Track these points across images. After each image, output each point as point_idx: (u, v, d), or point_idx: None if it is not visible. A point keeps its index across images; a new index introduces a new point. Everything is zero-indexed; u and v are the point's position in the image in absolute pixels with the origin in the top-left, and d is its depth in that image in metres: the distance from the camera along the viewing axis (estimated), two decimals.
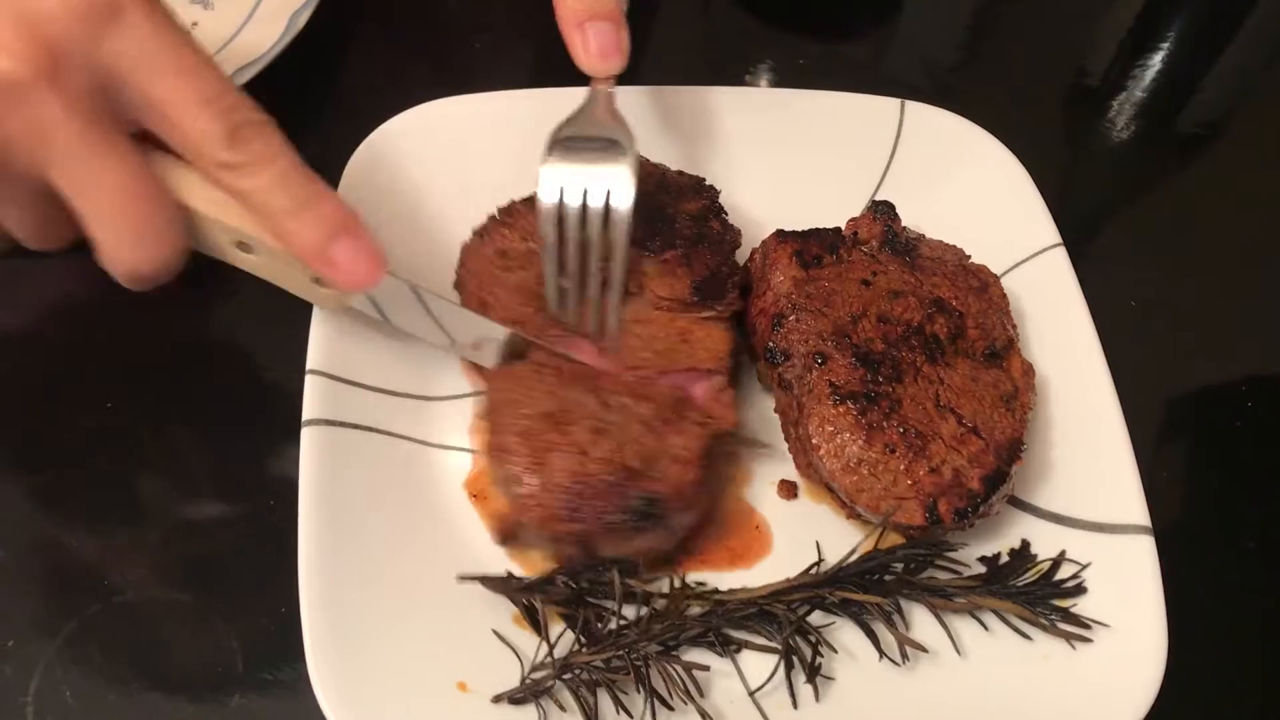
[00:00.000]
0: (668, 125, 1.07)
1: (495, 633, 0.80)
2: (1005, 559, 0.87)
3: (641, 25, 1.30)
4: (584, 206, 0.85)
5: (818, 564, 0.85)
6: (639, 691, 0.77)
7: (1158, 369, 1.03)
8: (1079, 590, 0.84)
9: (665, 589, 0.83)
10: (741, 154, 1.06)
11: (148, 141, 0.72)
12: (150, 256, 0.72)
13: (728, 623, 0.81)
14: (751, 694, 0.79)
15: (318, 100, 1.18)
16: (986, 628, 0.84)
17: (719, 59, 1.29)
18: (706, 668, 0.79)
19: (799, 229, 0.96)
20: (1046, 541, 0.87)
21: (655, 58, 1.27)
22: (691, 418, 0.84)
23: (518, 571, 0.85)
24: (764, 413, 0.96)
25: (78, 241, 0.75)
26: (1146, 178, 1.24)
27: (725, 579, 0.86)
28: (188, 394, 0.96)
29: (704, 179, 0.99)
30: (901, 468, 0.83)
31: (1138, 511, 0.85)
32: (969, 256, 0.98)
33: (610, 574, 0.82)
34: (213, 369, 0.98)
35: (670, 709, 0.78)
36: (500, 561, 0.86)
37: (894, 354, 0.88)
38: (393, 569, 0.82)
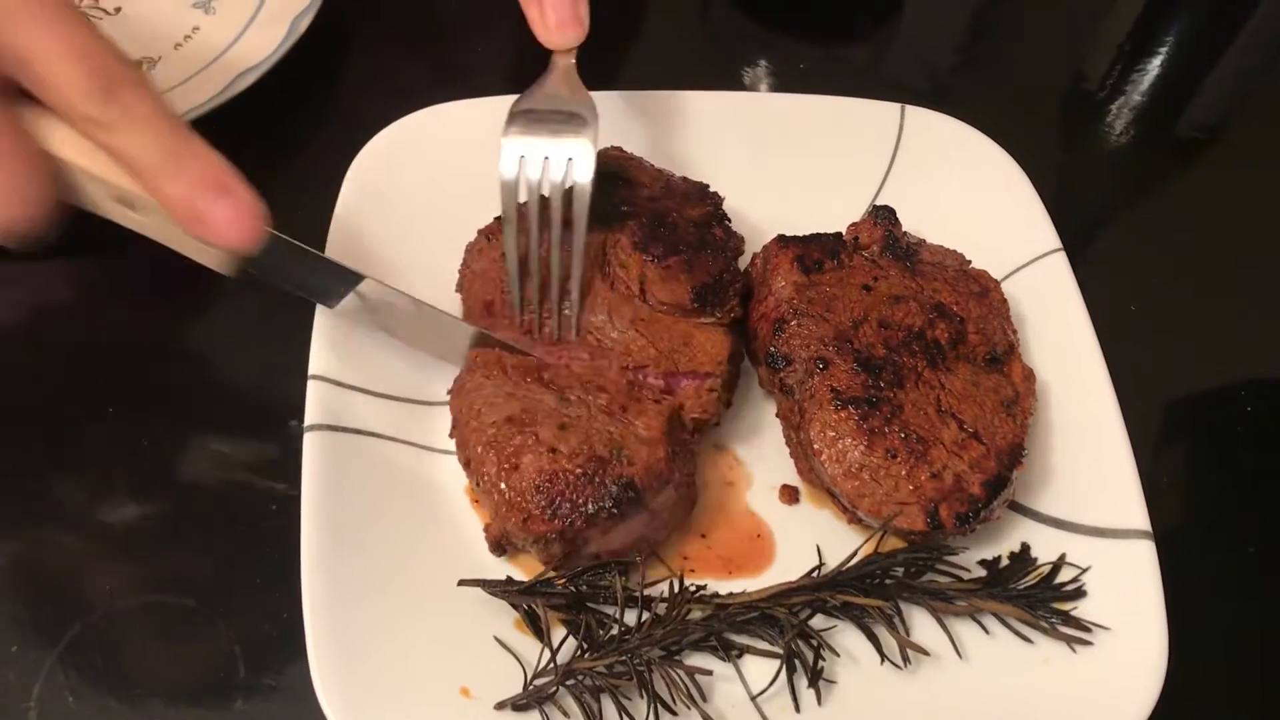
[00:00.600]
0: (667, 130, 1.07)
1: (497, 639, 0.80)
2: (1005, 563, 0.87)
3: (641, 29, 1.31)
4: (546, 179, 0.86)
5: (819, 568, 0.85)
6: (642, 696, 0.77)
7: (1158, 373, 1.04)
8: (1079, 594, 0.84)
9: (666, 594, 0.83)
10: (742, 159, 1.07)
11: (21, 95, 0.70)
12: (17, 210, 0.70)
13: (729, 627, 0.81)
14: (754, 698, 0.80)
15: (319, 105, 1.18)
16: (988, 631, 0.84)
17: (719, 63, 1.29)
18: (709, 672, 0.79)
19: (800, 234, 0.96)
20: (1047, 546, 0.87)
21: (654, 61, 1.27)
22: (647, 397, 0.85)
23: (518, 576, 0.85)
24: (765, 418, 0.96)
25: None
26: (1146, 182, 1.25)
27: (726, 583, 0.86)
28: (189, 399, 0.96)
29: (708, 185, 0.99)
30: (903, 473, 0.83)
31: (1138, 516, 0.86)
32: (969, 262, 0.98)
33: (611, 578, 0.82)
34: (215, 374, 0.99)
35: (673, 713, 0.78)
36: (502, 566, 0.86)
37: (895, 359, 0.88)
38: (395, 574, 0.82)
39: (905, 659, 0.81)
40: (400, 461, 0.88)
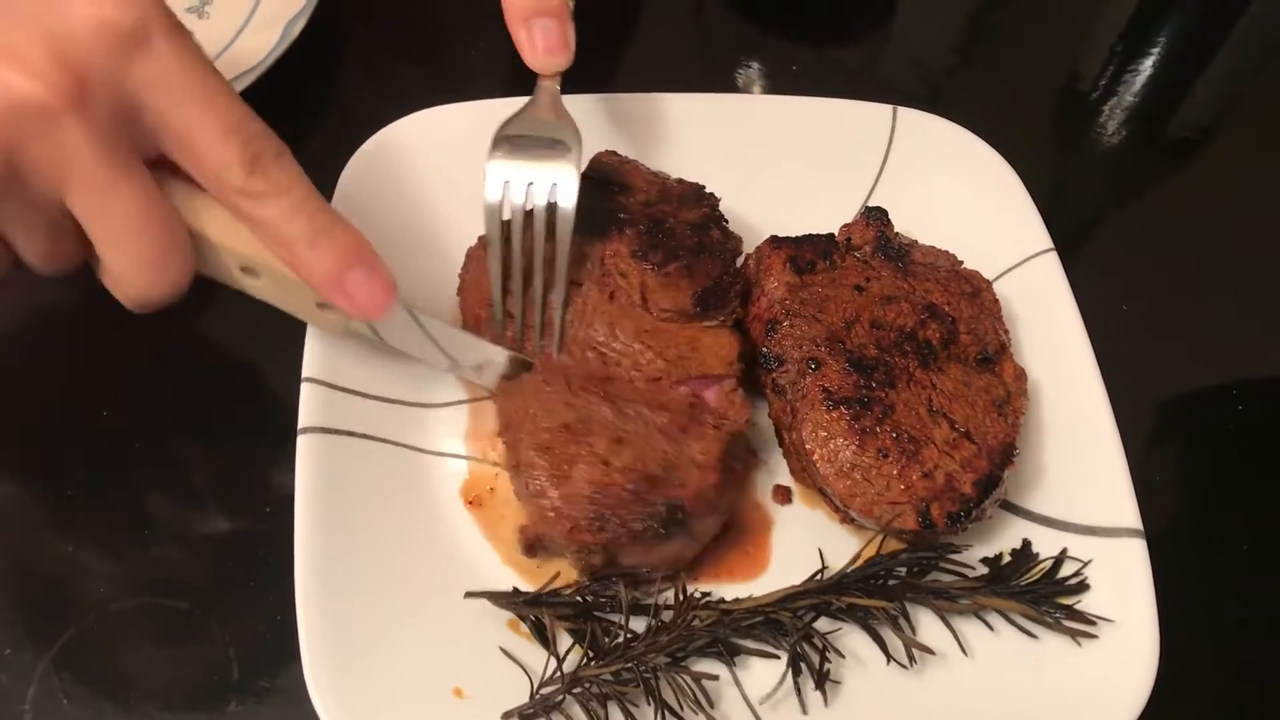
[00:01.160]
0: (660, 132, 1.07)
1: (503, 650, 0.80)
2: (1007, 560, 0.87)
3: (634, 31, 1.32)
4: (530, 205, 0.86)
5: (821, 571, 0.85)
6: (649, 703, 0.77)
7: (1149, 372, 1.04)
8: (1082, 588, 0.84)
9: (670, 600, 0.83)
10: (735, 160, 1.07)
11: (161, 167, 0.72)
12: (160, 282, 0.73)
13: (734, 632, 0.81)
14: (760, 701, 0.80)
15: (314, 108, 1.18)
16: (992, 628, 0.84)
17: (711, 65, 1.29)
18: (715, 677, 0.79)
19: (793, 235, 0.96)
20: (1040, 545, 0.88)
21: (647, 63, 1.27)
22: (707, 422, 0.85)
23: (519, 582, 0.85)
24: (758, 418, 0.96)
25: (83, 266, 0.75)
26: (1138, 182, 1.25)
27: (729, 588, 0.87)
28: (183, 402, 0.96)
29: (704, 186, 0.99)
30: (895, 473, 0.83)
31: (1130, 515, 0.86)
32: (961, 262, 0.99)
33: (617, 587, 0.82)
34: (208, 376, 0.99)
35: (680, 719, 0.78)
36: (495, 568, 0.86)
37: (887, 359, 0.88)
38: (389, 576, 0.82)
39: (911, 659, 0.81)
40: (394, 464, 0.88)
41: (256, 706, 0.81)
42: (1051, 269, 0.99)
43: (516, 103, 1.03)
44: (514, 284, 0.89)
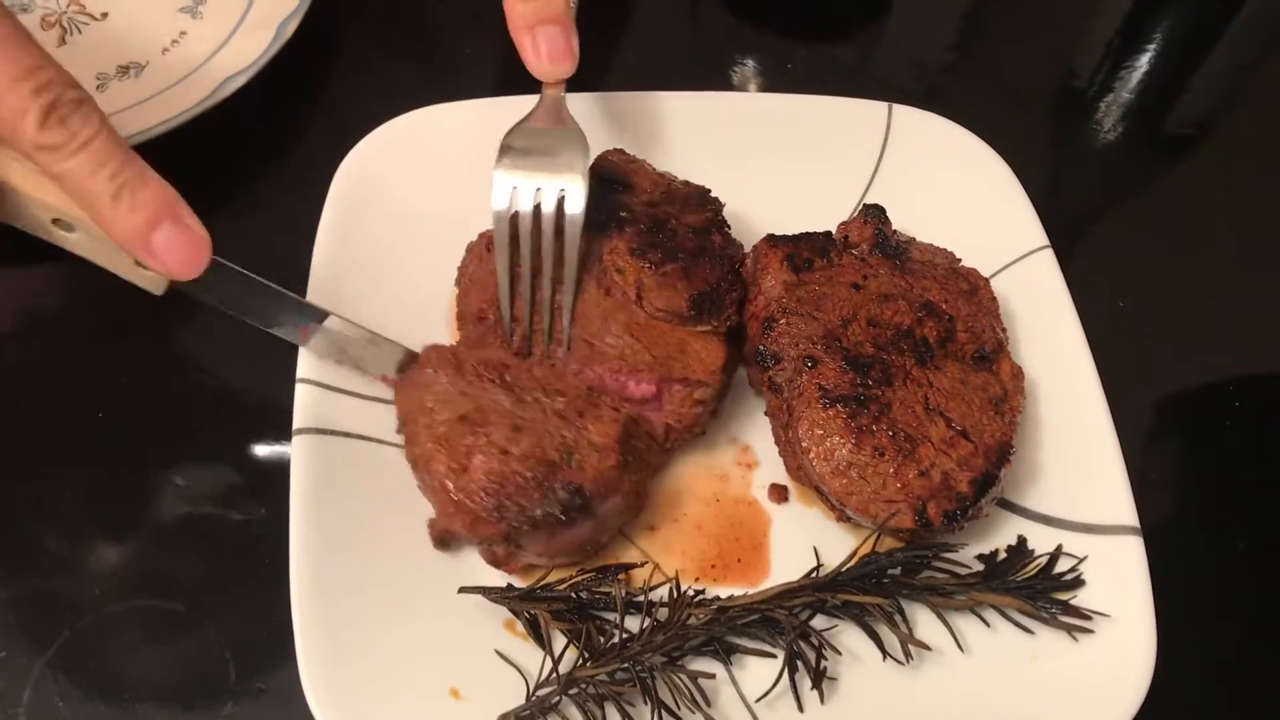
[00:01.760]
0: (655, 131, 1.07)
1: (498, 652, 0.80)
2: (1003, 556, 0.87)
3: (628, 29, 1.31)
4: (537, 212, 0.86)
5: (817, 568, 0.85)
6: (645, 703, 0.77)
7: (1146, 370, 1.04)
8: (1078, 583, 0.84)
9: (665, 599, 0.83)
10: (730, 158, 1.06)
11: None
12: None
13: (730, 630, 0.81)
14: (757, 700, 0.79)
15: (307, 108, 1.18)
16: (988, 624, 0.84)
17: (706, 63, 1.29)
18: (712, 676, 0.79)
19: (789, 233, 0.96)
20: (1037, 543, 0.88)
21: (642, 62, 1.27)
22: (605, 404, 0.85)
23: (513, 581, 0.85)
24: (755, 416, 0.96)
25: None
26: (1134, 179, 1.25)
27: (728, 589, 0.86)
28: (179, 404, 0.96)
29: (709, 190, 0.99)
30: (891, 471, 0.83)
31: (1126, 512, 0.86)
32: (959, 260, 0.98)
33: (611, 584, 0.82)
34: (204, 378, 0.98)
35: (677, 719, 0.78)
36: (489, 568, 0.85)
37: (884, 357, 0.88)
38: (384, 576, 0.82)
39: (908, 655, 0.81)
40: (388, 464, 0.88)
41: (252, 708, 0.81)
42: (1047, 266, 0.99)
43: (509, 101, 1.03)
44: (522, 288, 0.89)
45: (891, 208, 0.98)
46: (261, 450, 0.92)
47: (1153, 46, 1.35)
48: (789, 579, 0.85)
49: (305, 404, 0.86)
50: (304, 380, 0.87)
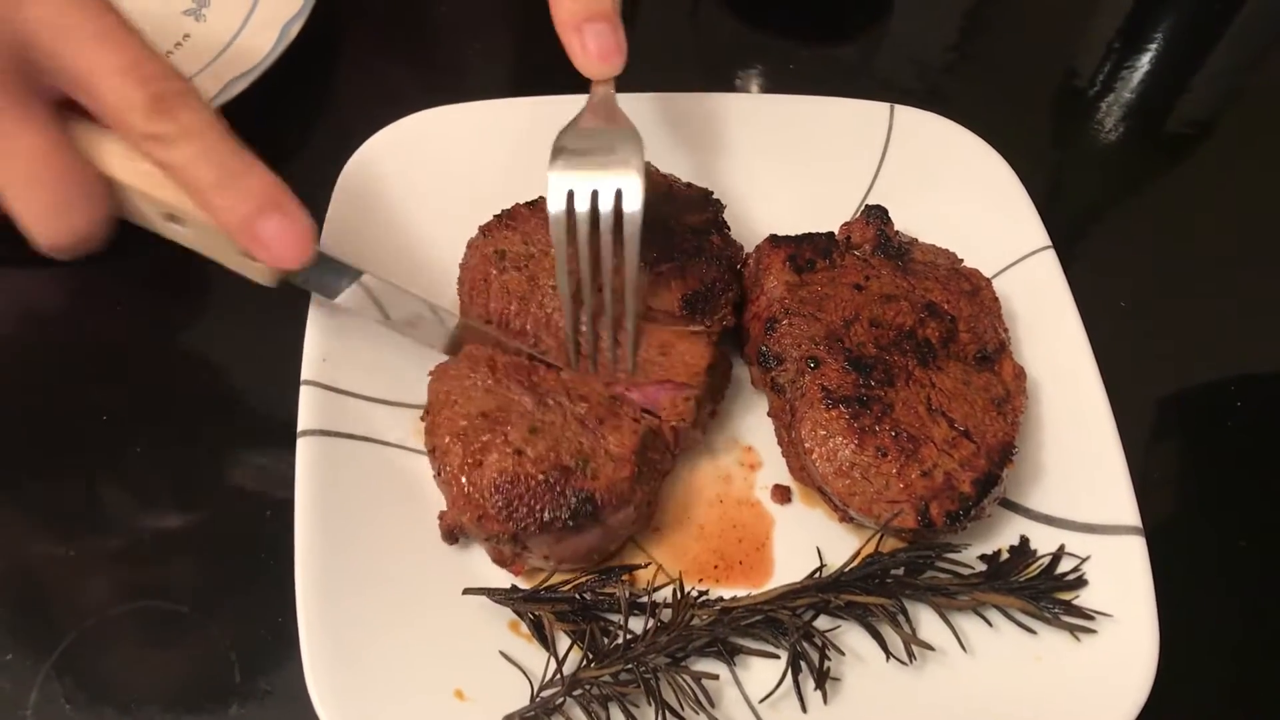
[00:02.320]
0: (657, 132, 1.07)
1: (502, 654, 0.80)
2: (1006, 557, 0.87)
3: (630, 31, 1.31)
4: (594, 212, 0.84)
5: (820, 569, 0.85)
6: (649, 704, 0.77)
7: (1148, 369, 1.04)
8: (1080, 583, 0.84)
9: (669, 599, 0.83)
10: (732, 159, 1.07)
11: (74, 110, 0.70)
12: (70, 227, 0.70)
13: (734, 631, 0.81)
14: (761, 700, 0.80)
15: (311, 110, 1.18)
16: (991, 624, 0.84)
17: (708, 64, 1.29)
18: (716, 676, 0.79)
19: (791, 234, 0.96)
20: (1039, 543, 0.88)
21: (643, 63, 1.27)
22: (626, 415, 0.85)
23: (517, 583, 0.85)
24: (758, 417, 0.96)
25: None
26: (1135, 179, 1.25)
27: (733, 590, 0.86)
28: (183, 406, 0.96)
29: (711, 192, 0.99)
30: (893, 471, 0.83)
31: (1129, 512, 0.86)
32: (962, 260, 0.99)
33: (615, 585, 0.82)
34: (208, 379, 0.99)
35: (681, 719, 0.78)
36: (494, 569, 0.86)
37: (886, 358, 0.89)
38: (388, 577, 0.82)
39: (911, 655, 0.82)
40: (392, 465, 0.88)
41: (258, 709, 0.81)
42: (1049, 266, 0.99)
43: (513, 103, 1.04)
44: (584, 294, 0.87)
45: (893, 208, 0.99)
46: (266, 451, 0.92)
47: (1154, 46, 1.35)
48: (792, 580, 0.85)
49: (309, 405, 0.86)
50: (308, 382, 0.87)
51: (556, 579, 0.84)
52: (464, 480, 0.80)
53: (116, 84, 0.67)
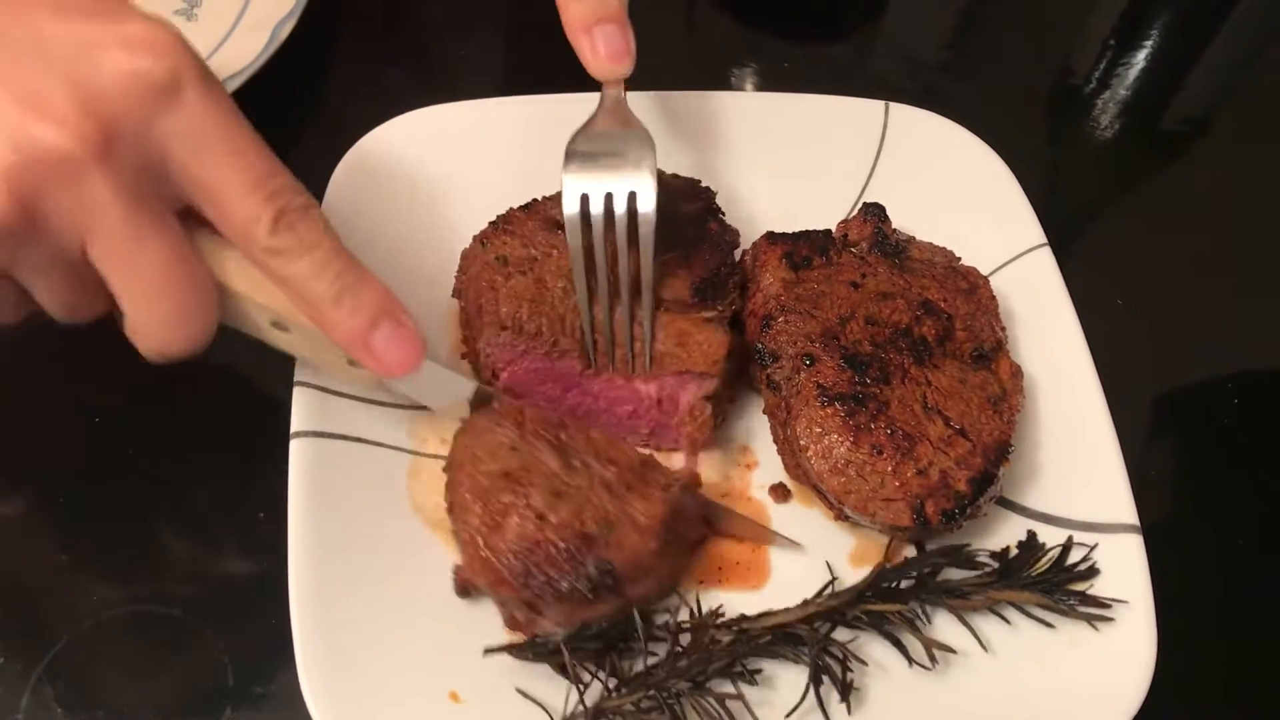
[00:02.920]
0: (653, 130, 1.05)
1: (519, 690, 0.78)
2: (1015, 553, 0.86)
3: None
4: (609, 215, 0.84)
5: (832, 582, 0.84)
6: None
7: (1145, 367, 1.04)
8: (1093, 572, 0.84)
9: (684, 620, 0.82)
10: (728, 158, 1.06)
11: (190, 216, 0.71)
12: (183, 337, 0.71)
13: (753, 649, 0.80)
14: (787, 716, 0.78)
15: (303, 111, 1.18)
16: (1009, 621, 0.83)
17: (703, 63, 1.29)
18: (739, 697, 0.78)
19: (789, 231, 0.96)
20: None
21: (639, 62, 1.27)
22: (656, 482, 0.83)
23: None
24: (755, 416, 0.96)
25: (104, 316, 0.73)
26: (1131, 176, 1.25)
27: (734, 596, 0.86)
28: (175, 407, 0.96)
29: (699, 180, 0.99)
30: (889, 469, 0.83)
31: (1126, 510, 0.86)
32: (959, 258, 0.98)
33: (633, 618, 0.80)
34: (201, 381, 0.98)
35: None
36: None
37: (882, 356, 0.88)
38: (383, 580, 0.82)
39: (932, 659, 0.81)
40: (387, 466, 0.88)
41: (252, 713, 0.81)
42: (1045, 264, 0.99)
43: (506, 102, 1.03)
44: (600, 295, 0.87)
45: (889, 206, 0.98)
46: (259, 454, 0.91)
47: (1149, 43, 1.35)
48: (791, 580, 0.85)
49: (302, 407, 0.86)
50: (301, 383, 0.87)
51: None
52: (481, 542, 0.78)
53: (243, 199, 0.68)
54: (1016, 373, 0.90)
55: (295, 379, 0.87)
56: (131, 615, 0.84)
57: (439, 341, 0.96)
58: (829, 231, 0.97)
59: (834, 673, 0.79)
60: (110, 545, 0.88)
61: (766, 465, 0.93)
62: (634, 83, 1.08)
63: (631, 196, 0.84)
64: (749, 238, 0.98)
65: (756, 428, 0.95)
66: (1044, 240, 1.00)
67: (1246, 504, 0.99)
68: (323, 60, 1.22)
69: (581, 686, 0.78)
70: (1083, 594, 0.83)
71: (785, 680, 0.81)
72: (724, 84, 1.26)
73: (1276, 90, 1.35)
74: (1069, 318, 0.95)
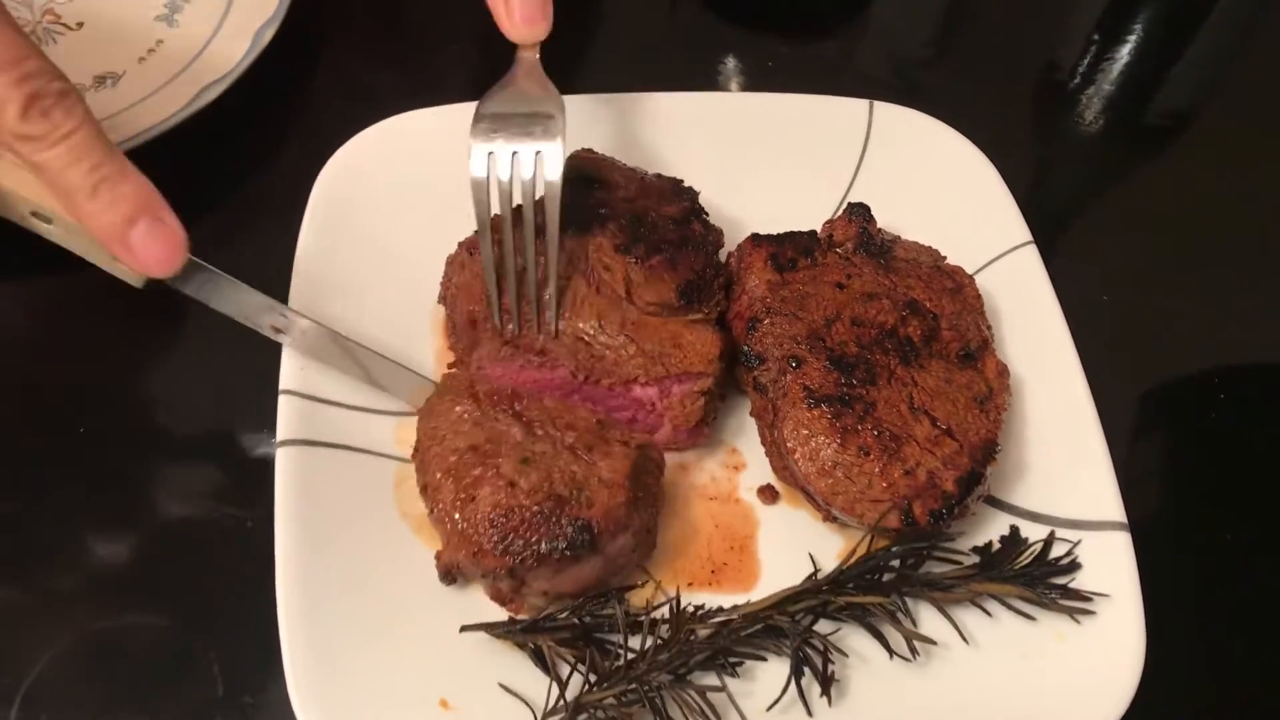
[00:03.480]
0: (637, 132, 1.07)
1: (501, 685, 0.78)
2: (998, 547, 0.87)
3: (608, 29, 1.31)
4: (517, 179, 0.85)
5: (814, 573, 0.85)
6: None
7: (1131, 364, 1.04)
8: (1074, 566, 0.84)
9: (667, 615, 0.82)
10: (712, 158, 1.06)
11: None
12: None
13: (734, 642, 0.80)
14: (768, 709, 0.79)
15: (286, 116, 1.17)
16: (990, 614, 0.84)
17: (687, 62, 1.29)
18: (720, 689, 0.78)
19: (772, 232, 0.96)
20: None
21: (623, 62, 1.27)
22: (615, 439, 0.84)
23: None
24: (742, 418, 0.96)
25: None
26: (1116, 172, 1.25)
27: (723, 596, 0.86)
28: (162, 416, 0.95)
29: (682, 181, 0.99)
30: (876, 470, 0.83)
31: (1114, 508, 0.86)
32: (944, 258, 0.98)
33: (613, 606, 0.81)
34: (187, 390, 0.98)
35: None
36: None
37: (868, 357, 0.88)
38: (371, 585, 0.82)
39: (914, 652, 0.81)
40: (373, 473, 0.88)
41: None
42: (1031, 262, 0.99)
43: None
44: (508, 266, 0.87)
45: (874, 205, 0.98)
46: (246, 462, 0.91)
47: (1132, 39, 1.36)
48: (780, 581, 0.85)
49: (288, 415, 0.85)
50: (286, 391, 0.86)
51: (553, 607, 0.82)
52: (457, 516, 0.79)
53: None
54: (1003, 371, 0.90)
55: (281, 387, 0.86)
56: (120, 625, 0.84)
57: (424, 348, 0.96)
58: (814, 232, 0.97)
59: (815, 664, 0.79)
60: (96, 556, 0.88)
61: (755, 467, 0.93)
62: (616, 83, 1.08)
63: (538, 158, 0.84)
64: (733, 238, 0.98)
65: (744, 429, 0.95)
66: (1029, 238, 1.00)
67: (1234, 498, 0.99)
68: (306, 65, 1.21)
69: (561, 680, 0.78)
70: (1064, 587, 0.83)
71: (767, 673, 0.81)
72: (708, 83, 1.26)
73: (1260, 85, 1.36)
74: (1055, 315, 0.96)
